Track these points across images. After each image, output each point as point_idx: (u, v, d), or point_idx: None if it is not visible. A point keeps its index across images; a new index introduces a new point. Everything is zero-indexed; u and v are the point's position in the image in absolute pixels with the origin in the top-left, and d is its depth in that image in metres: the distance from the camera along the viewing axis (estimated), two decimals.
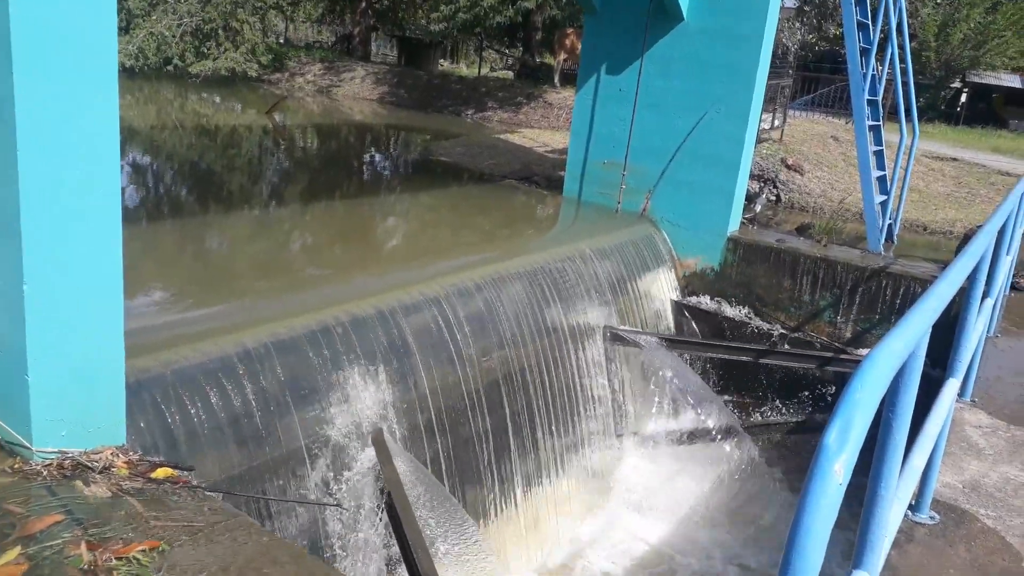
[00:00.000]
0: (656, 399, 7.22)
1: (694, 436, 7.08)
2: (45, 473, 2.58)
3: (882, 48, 7.50)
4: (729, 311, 8.01)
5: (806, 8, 10.80)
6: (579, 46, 19.34)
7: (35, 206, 2.47)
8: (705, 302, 8.13)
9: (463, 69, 32.80)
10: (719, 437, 6.95)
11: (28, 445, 2.64)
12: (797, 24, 11.28)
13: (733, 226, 8.10)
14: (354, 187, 10.40)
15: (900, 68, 7.44)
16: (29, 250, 2.48)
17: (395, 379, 4.83)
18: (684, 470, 6.98)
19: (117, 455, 2.71)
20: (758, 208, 9.07)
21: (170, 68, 20.86)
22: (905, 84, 7.31)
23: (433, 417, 5.12)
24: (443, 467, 5.17)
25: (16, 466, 2.63)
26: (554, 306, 6.34)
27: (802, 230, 8.53)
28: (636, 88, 8.26)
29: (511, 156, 12.18)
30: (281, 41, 30.38)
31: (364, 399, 4.60)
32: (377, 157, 13.48)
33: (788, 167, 10.41)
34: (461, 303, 5.55)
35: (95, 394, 2.78)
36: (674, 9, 7.84)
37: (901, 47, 7.41)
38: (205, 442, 3.74)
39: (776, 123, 11.49)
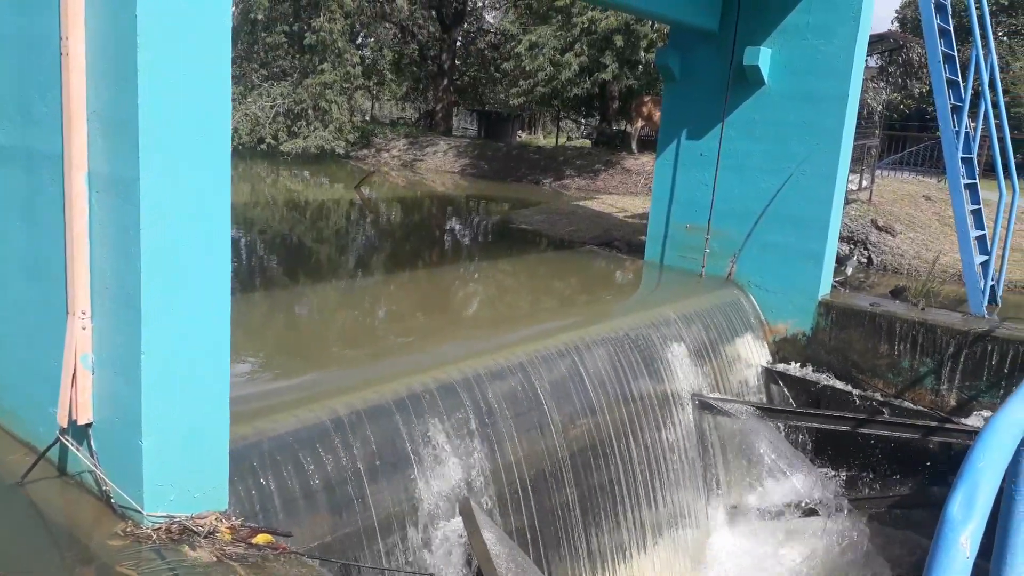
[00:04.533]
0: (749, 470, 6.94)
1: (790, 509, 6.75)
2: (155, 537, 2.67)
3: (974, 104, 7.29)
4: (823, 378, 7.71)
5: (890, 69, 10.68)
6: (656, 113, 19.56)
7: (154, 280, 2.63)
8: (797, 368, 7.86)
9: (540, 139, 33.53)
10: (817, 511, 6.61)
11: (140, 509, 2.75)
12: (881, 83, 11.13)
13: (824, 289, 7.87)
14: (437, 256, 10.65)
15: (995, 124, 7.20)
16: (147, 321, 2.63)
17: (482, 446, 4.83)
18: (781, 545, 6.64)
19: (221, 520, 2.79)
20: (849, 271, 8.79)
21: (263, 146, 22.07)
22: (1001, 140, 7.06)
23: (519, 486, 5.06)
24: (529, 538, 5.08)
25: (128, 529, 2.73)
26: (640, 373, 6.25)
27: (897, 293, 8.21)
28: (718, 151, 8.25)
29: (590, 222, 12.26)
30: (367, 118, 31.80)
31: (451, 466, 4.60)
32: (459, 226, 13.79)
33: (879, 228, 10.11)
34: (545, 369, 5.54)
35: (202, 460, 2.88)
36: (755, 76, 7.86)
37: (995, 104, 7.18)
38: (299, 509, 3.80)
39: (864, 184, 11.22)
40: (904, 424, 6.88)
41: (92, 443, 2.94)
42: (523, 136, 33.66)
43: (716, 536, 6.69)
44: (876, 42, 10.15)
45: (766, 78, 7.88)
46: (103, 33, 2.58)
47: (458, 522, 4.52)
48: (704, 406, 6.77)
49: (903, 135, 18.52)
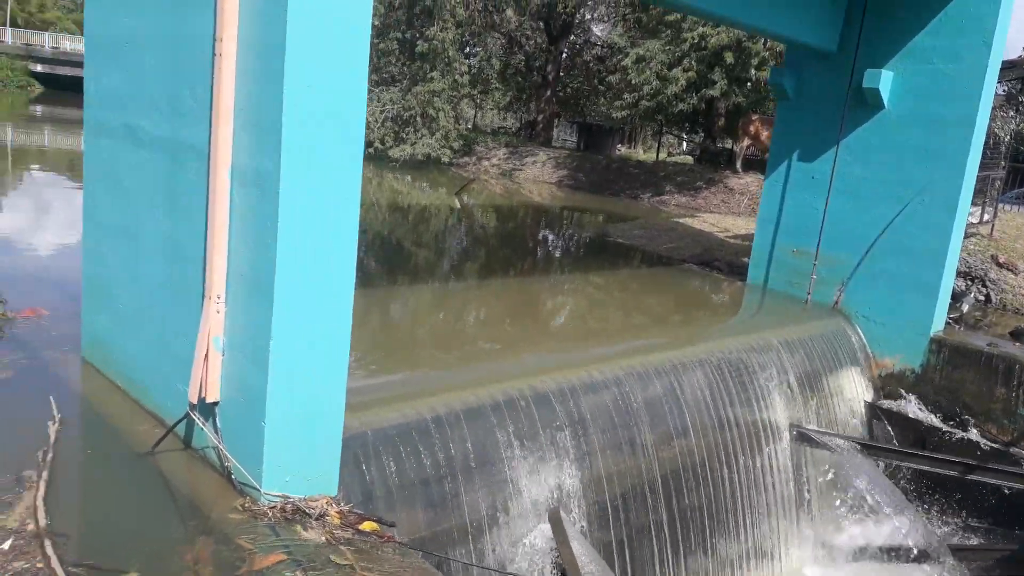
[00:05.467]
0: (848, 509, 6.67)
1: (889, 553, 6.44)
2: (270, 514, 2.81)
3: None
4: (931, 418, 7.34)
5: (1020, 97, 10.05)
6: (763, 132, 19.10)
7: (286, 270, 2.77)
8: (904, 406, 7.50)
9: (640, 153, 33.27)
10: (918, 557, 6.29)
11: (258, 487, 2.89)
12: (1011, 112, 10.52)
13: (937, 325, 7.50)
14: (534, 266, 10.72)
15: None
16: (279, 309, 2.78)
17: (574, 457, 4.84)
18: None
19: (331, 504, 2.90)
20: (965, 308, 8.34)
21: (371, 151, 22.76)
22: None
23: (608, 500, 5.04)
24: (615, 554, 5.04)
25: (246, 505, 2.88)
26: (738, 398, 6.11)
27: (1017, 335, 7.74)
28: (831, 175, 8.00)
29: (690, 240, 12.07)
30: (470, 127, 32.34)
31: (544, 474, 4.63)
32: (556, 238, 13.85)
33: (999, 265, 9.55)
34: (640, 386, 5.50)
35: (317, 445, 3.02)
36: (875, 98, 7.59)
37: None
38: (397, 500, 3.90)
39: (986, 217, 10.63)
40: (1018, 474, 6.47)
41: (217, 421, 3.12)
42: (623, 149, 33.49)
43: (806, 572, 6.46)
44: (1007, 68, 9.60)
45: (886, 101, 7.59)
46: (254, 36, 2.75)
47: (546, 529, 4.53)
48: (803, 438, 6.56)
49: None
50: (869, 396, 7.65)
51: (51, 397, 3.58)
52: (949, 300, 7.69)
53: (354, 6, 2.72)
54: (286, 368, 2.85)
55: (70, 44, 47.37)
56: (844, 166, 7.96)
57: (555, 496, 4.71)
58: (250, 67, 2.78)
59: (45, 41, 47.97)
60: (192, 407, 3.12)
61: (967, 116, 7.06)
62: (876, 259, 7.80)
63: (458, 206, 16.41)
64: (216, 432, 3.11)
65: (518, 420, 4.65)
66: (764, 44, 17.59)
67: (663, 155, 27.31)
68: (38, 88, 44.63)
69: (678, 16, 18.25)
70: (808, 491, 6.65)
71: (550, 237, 13.92)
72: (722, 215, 16.14)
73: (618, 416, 5.22)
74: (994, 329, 8.22)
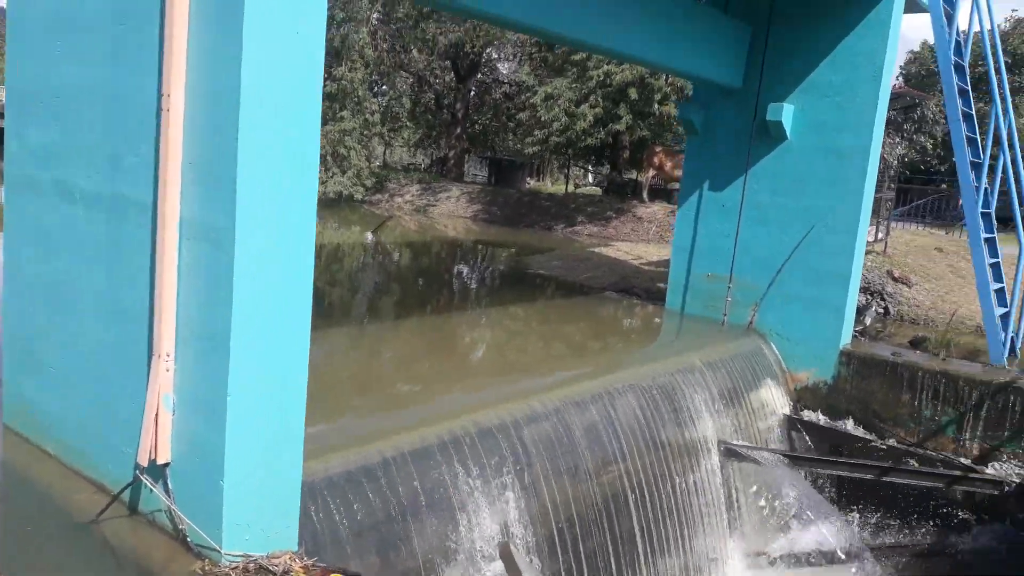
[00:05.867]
0: (775, 517, 6.96)
1: (816, 557, 6.76)
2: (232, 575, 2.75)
3: (994, 158, 7.52)
4: (845, 426, 7.77)
5: (904, 125, 10.92)
6: (667, 162, 19.90)
7: (243, 325, 2.76)
8: (819, 416, 7.92)
9: (548, 185, 33.91)
10: (843, 559, 6.62)
11: (218, 548, 2.83)
12: (897, 138, 11.37)
13: (845, 339, 7.98)
14: (451, 300, 10.77)
15: (1014, 179, 7.40)
16: (235, 364, 2.75)
17: (520, 489, 4.90)
18: None
19: (294, 560, 2.87)
20: (868, 321, 8.89)
21: None
22: (1020, 194, 7.25)
23: (555, 529, 5.12)
24: None
25: (206, 568, 2.81)
26: (668, 419, 6.33)
27: (916, 343, 8.30)
28: (740, 203, 8.43)
29: (607, 268, 12.41)
30: (379, 164, 32.27)
31: (494, 508, 4.67)
32: (476, 272, 13.96)
33: (895, 279, 10.24)
34: (578, 414, 5.63)
35: (277, 500, 2.98)
36: (778, 130, 8.09)
37: (1013, 160, 7.39)
38: (349, 548, 3.86)
39: (880, 235, 11.39)
40: (930, 473, 6.92)
41: (169, 482, 3.04)
42: (532, 183, 34.08)
43: None
44: (894, 99, 10.41)
45: (788, 133, 8.10)
46: (205, 91, 2.75)
47: (498, 566, 4.56)
48: (730, 453, 6.83)
49: (909, 187, 18.81)
50: (787, 409, 8.03)
51: None
52: (855, 315, 8.20)
53: (306, 55, 2.77)
54: (243, 424, 2.81)
55: None
56: (752, 194, 8.41)
57: (505, 529, 4.75)
58: (200, 121, 2.78)
59: None
60: (141, 469, 3.02)
61: (863, 145, 7.60)
62: (786, 280, 8.24)
63: (372, 243, 16.33)
64: (168, 494, 3.02)
65: (464, 458, 4.68)
66: (666, 80, 18.40)
67: (571, 187, 27.97)
68: None
69: (583, 55, 18.90)
70: (738, 503, 6.91)
71: (470, 271, 14.02)
72: (633, 243, 16.65)
73: (559, 445, 5.32)
74: (895, 339, 8.78)
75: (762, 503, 6.99)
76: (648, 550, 5.80)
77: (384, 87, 28.72)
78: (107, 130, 3.18)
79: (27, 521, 3.29)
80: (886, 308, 10.07)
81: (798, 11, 8.04)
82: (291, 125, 2.78)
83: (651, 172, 20.38)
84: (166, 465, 3.03)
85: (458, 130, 29.05)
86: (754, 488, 7.01)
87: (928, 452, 7.29)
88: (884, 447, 7.42)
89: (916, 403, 7.50)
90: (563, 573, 5.10)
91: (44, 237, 3.61)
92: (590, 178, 34.55)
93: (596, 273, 12.08)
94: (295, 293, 2.91)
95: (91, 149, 3.26)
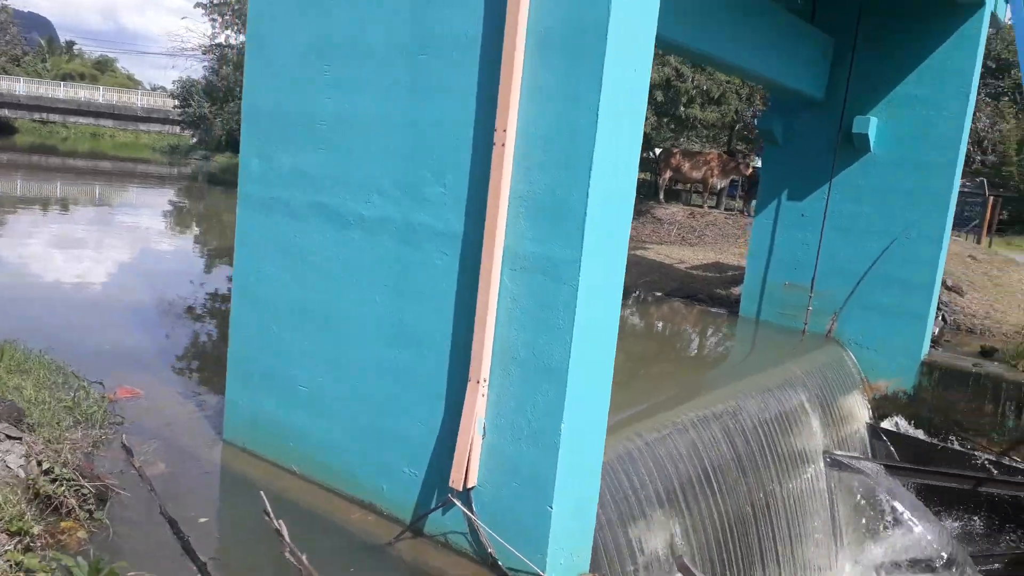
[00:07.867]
0: (879, 526, 7.14)
1: (919, 565, 6.95)
2: None
3: None
4: (927, 435, 7.98)
5: None
6: (684, 164, 20.12)
7: (580, 354, 2.80)
8: (901, 425, 8.12)
9: None
10: (946, 567, 6.82)
11: (540, 572, 2.88)
12: None
13: (925, 349, 8.19)
14: None
15: None
16: (572, 392, 2.80)
17: (681, 506, 5.00)
18: None
19: None
20: (936, 331, 9.14)
21: None
22: None
23: (708, 544, 5.22)
24: None
25: None
26: (782, 430, 6.47)
27: (987, 354, 8.56)
28: (824, 213, 8.60)
29: (659, 273, 12.51)
30: None
31: (662, 522, 4.76)
32: None
33: (948, 288, 10.51)
34: (705, 428, 5.74)
35: (584, 523, 3.03)
36: (862, 143, 8.26)
37: None
38: None
39: None
40: (1020, 483, 7.15)
41: (473, 505, 3.07)
42: None
43: None
44: None
45: (872, 145, 8.28)
46: (548, 127, 2.78)
47: None
48: (835, 463, 6.99)
49: None
50: (868, 418, 8.23)
51: (261, 493, 3.29)
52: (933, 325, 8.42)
53: (640, 92, 2.81)
54: (573, 448, 2.86)
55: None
56: (835, 204, 8.57)
57: (669, 544, 4.84)
58: (537, 157, 2.81)
59: None
60: (455, 493, 3.05)
61: (949, 160, 7.80)
62: (865, 290, 8.43)
63: None
64: (472, 516, 3.06)
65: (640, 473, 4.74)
66: (692, 82, 18.56)
67: None
68: None
69: None
70: (840, 513, 7.08)
71: None
72: (668, 246, 16.80)
73: (695, 458, 5.42)
74: (961, 349, 9.03)
75: (869, 513, 7.16)
76: (762, 561, 5.94)
77: None
78: (399, 159, 3.18)
79: (318, 547, 3.18)
80: (943, 317, 10.33)
81: (885, 25, 8.20)
82: (626, 161, 2.83)
83: (668, 173, 20.57)
84: (471, 489, 3.06)
85: None
86: (858, 498, 7.18)
87: (1015, 463, 7.52)
88: (968, 457, 7.63)
89: (999, 413, 7.73)
90: None
91: (296, 258, 3.59)
92: None
93: (652, 278, 12.18)
94: (611, 323, 2.97)
95: (374, 176, 3.26)
